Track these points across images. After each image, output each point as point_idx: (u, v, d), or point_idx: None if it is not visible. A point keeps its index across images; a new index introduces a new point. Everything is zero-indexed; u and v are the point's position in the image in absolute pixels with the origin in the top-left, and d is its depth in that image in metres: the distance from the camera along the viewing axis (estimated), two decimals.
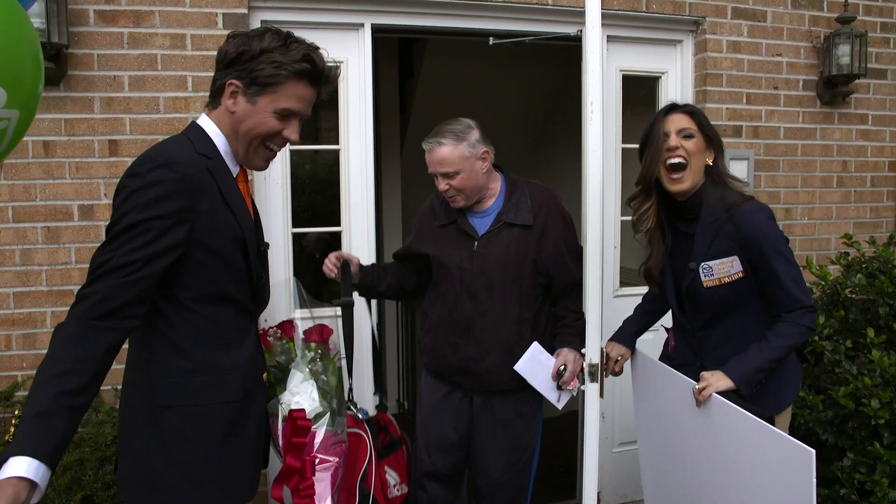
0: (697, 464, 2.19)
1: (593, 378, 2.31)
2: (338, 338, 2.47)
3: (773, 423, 1.90)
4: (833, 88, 3.79)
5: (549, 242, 2.56)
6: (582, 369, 2.34)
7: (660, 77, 3.70)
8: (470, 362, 2.57)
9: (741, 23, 3.64)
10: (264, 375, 1.97)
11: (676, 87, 3.70)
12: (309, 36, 3.06)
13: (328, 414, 2.19)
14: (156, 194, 1.57)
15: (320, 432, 2.17)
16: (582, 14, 3.26)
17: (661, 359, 2.49)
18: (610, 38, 3.54)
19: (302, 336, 2.33)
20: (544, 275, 2.57)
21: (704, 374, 2.13)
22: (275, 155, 1.84)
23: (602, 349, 2.35)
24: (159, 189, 1.58)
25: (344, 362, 2.49)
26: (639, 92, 3.78)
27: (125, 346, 1.65)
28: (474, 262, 2.55)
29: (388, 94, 5.58)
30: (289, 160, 3.19)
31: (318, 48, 1.80)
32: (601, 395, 2.34)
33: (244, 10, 2.99)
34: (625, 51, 3.60)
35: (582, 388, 2.36)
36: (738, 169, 3.62)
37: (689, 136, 2.23)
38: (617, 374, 2.58)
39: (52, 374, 1.42)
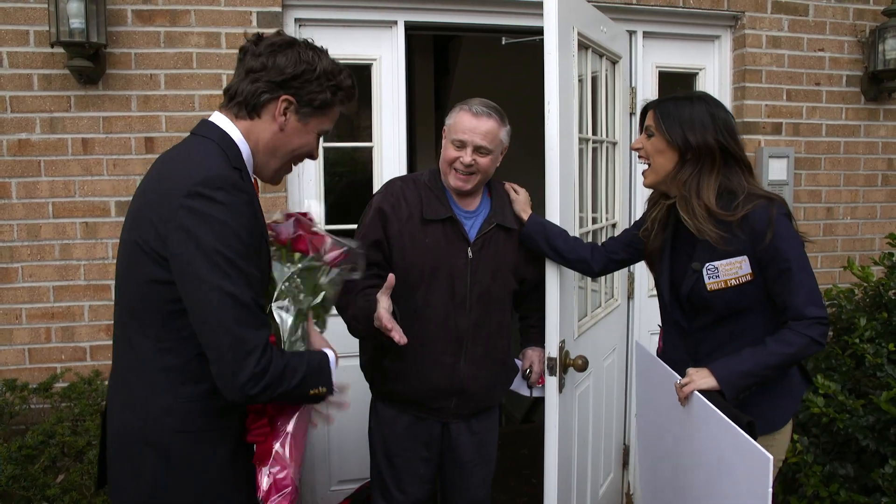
0: (677, 462, 2.14)
1: (552, 372, 2.36)
2: (334, 247, 1.85)
3: (752, 430, 1.79)
4: (878, 84, 3.68)
5: (525, 246, 2.45)
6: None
7: (697, 73, 3.63)
8: (465, 382, 2.35)
9: (782, 17, 3.55)
10: None
11: (714, 83, 3.63)
12: (342, 34, 3.16)
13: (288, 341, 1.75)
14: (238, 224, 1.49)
15: None
16: (613, 10, 3.26)
17: None
18: (646, 35, 3.49)
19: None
20: (520, 280, 2.47)
21: (690, 370, 2.01)
22: None
23: (560, 344, 2.37)
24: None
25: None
26: (675, 89, 3.71)
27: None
28: (469, 269, 2.31)
29: (423, 92, 5.61)
30: (322, 157, 3.20)
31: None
32: (560, 389, 2.38)
33: (278, 9, 3.01)
34: (661, 47, 3.54)
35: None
36: (777, 167, 3.54)
37: (649, 135, 2.10)
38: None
39: None
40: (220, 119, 1.66)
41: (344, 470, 3.28)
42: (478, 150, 2.26)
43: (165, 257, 1.48)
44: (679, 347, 2.21)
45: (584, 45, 2.67)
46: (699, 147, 2.01)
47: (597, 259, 2.41)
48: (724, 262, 2.01)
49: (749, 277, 2.00)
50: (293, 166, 1.78)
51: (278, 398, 1.55)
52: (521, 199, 2.47)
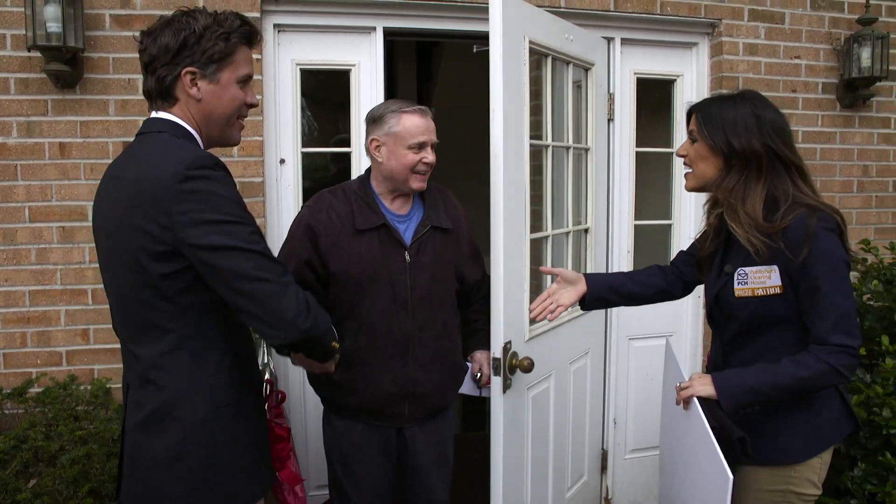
0: (672, 463, 2.14)
1: (496, 372, 2.39)
2: None
3: (743, 446, 1.76)
4: (854, 91, 3.72)
5: (462, 245, 2.50)
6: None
7: (675, 80, 3.66)
8: (414, 384, 2.35)
9: (758, 25, 3.59)
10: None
11: (692, 90, 3.65)
12: (321, 39, 3.18)
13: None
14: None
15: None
16: (589, 16, 3.28)
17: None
18: (624, 41, 3.52)
19: None
20: (460, 279, 2.50)
21: (693, 374, 1.94)
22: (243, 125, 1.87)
23: (506, 345, 2.39)
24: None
25: None
26: (654, 95, 3.75)
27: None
28: (408, 273, 2.33)
29: (406, 97, 5.58)
30: (300, 163, 3.21)
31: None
32: (504, 389, 2.41)
33: (257, 14, 3.02)
34: (639, 54, 3.57)
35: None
36: None
37: (693, 140, 2.01)
38: (551, 310, 2.30)
39: None
40: (159, 114, 1.73)
41: (323, 475, 3.26)
42: (432, 146, 2.37)
43: (173, 249, 1.56)
44: (716, 357, 2.11)
45: (542, 52, 2.71)
46: (744, 152, 1.89)
47: (672, 283, 2.36)
48: (754, 268, 1.90)
49: (777, 290, 1.87)
50: (242, 119, 1.83)
51: (321, 338, 1.69)
52: (565, 276, 2.37)
